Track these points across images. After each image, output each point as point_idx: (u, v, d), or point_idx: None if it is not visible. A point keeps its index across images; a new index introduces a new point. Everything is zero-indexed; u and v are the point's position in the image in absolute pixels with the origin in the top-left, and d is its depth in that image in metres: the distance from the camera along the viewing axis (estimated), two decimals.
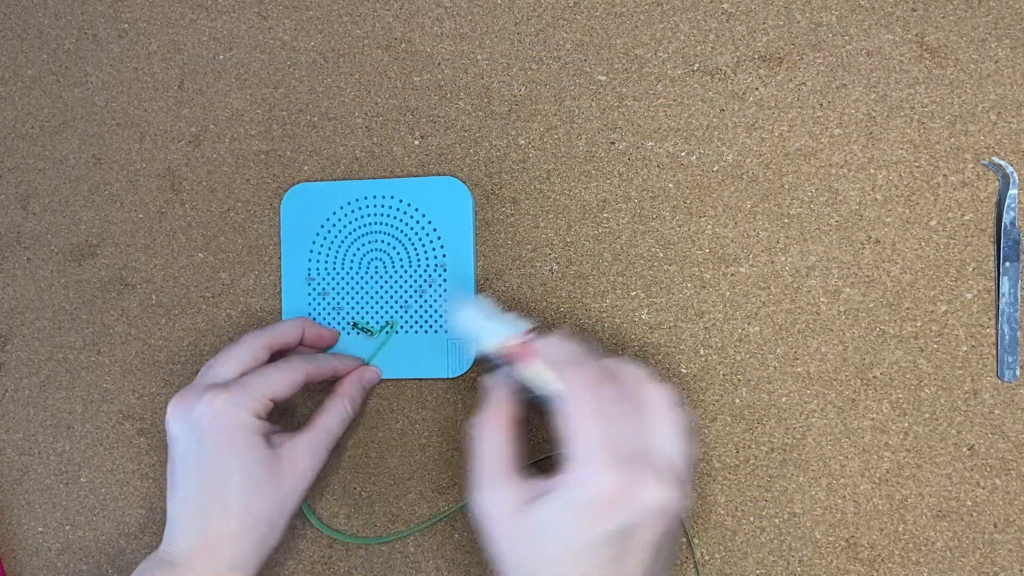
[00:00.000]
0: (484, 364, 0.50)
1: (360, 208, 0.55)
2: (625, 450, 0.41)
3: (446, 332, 0.54)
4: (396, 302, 0.55)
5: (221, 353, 0.50)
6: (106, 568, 0.58)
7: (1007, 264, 0.50)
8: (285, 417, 0.56)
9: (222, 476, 0.47)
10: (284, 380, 0.49)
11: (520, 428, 0.46)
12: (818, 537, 0.51)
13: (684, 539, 0.52)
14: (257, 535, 0.47)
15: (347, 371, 0.53)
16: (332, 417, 0.51)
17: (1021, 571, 0.50)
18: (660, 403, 0.43)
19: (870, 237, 0.52)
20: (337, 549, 0.55)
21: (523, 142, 0.55)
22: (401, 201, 0.55)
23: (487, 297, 0.51)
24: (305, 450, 0.49)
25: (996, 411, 0.50)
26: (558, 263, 0.54)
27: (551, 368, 0.44)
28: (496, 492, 0.43)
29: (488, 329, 0.47)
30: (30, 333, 0.59)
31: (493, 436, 0.45)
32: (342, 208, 0.56)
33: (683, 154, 0.54)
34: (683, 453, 0.43)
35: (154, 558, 0.47)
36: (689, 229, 0.53)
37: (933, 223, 0.51)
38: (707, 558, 0.52)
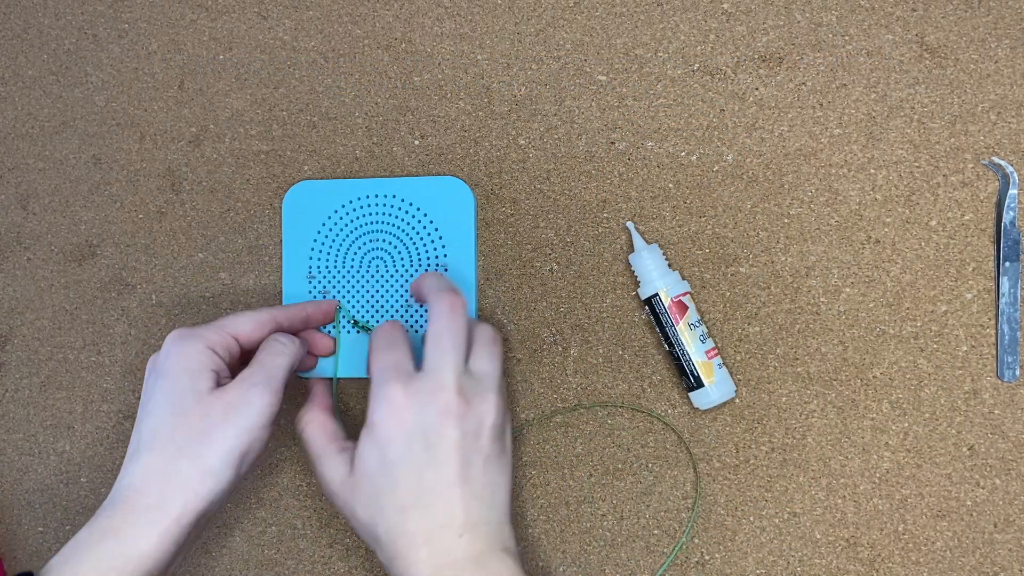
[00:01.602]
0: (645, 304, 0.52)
1: (362, 207, 0.55)
2: (428, 368, 0.45)
3: None
4: (396, 301, 0.55)
5: None
6: None
7: (1007, 264, 0.50)
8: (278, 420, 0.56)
9: (153, 405, 0.45)
10: (246, 318, 0.48)
11: (330, 413, 0.50)
12: (818, 537, 0.51)
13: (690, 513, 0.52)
14: (178, 471, 0.43)
15: (319, 318, 0.53)
16: (267, 353, 0.48)
17: (1021, 571, 0.50)
18: (486, 335, 0.48)
19: (870, 237, 0.52)
20: (337, 549, 0.55)
21: (523, 142, 0.55)
22: (403, 200, 0.55)
23: (658, 248, 0.52)
24: (238, 381, 0.46)
25: (996, 411, 0.50)
26: (558, 263, 0.54)
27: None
28: (328, 465, 0.47)
29: (657, 276, 0.51)
30: (30, 333, 0.59)
31: (310, 431, 0.49)
32: (344, 207, 0.56)
33: (683, 154, 0.54)
34: (495, 372, 0.47)
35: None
36: (689, 229, 0.53)
37: (933, 223, 0.51)
38: (707, 558, 0.52)
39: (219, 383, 0.46)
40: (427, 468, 0.44)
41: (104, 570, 0.42)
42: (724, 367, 0.51)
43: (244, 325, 0.48)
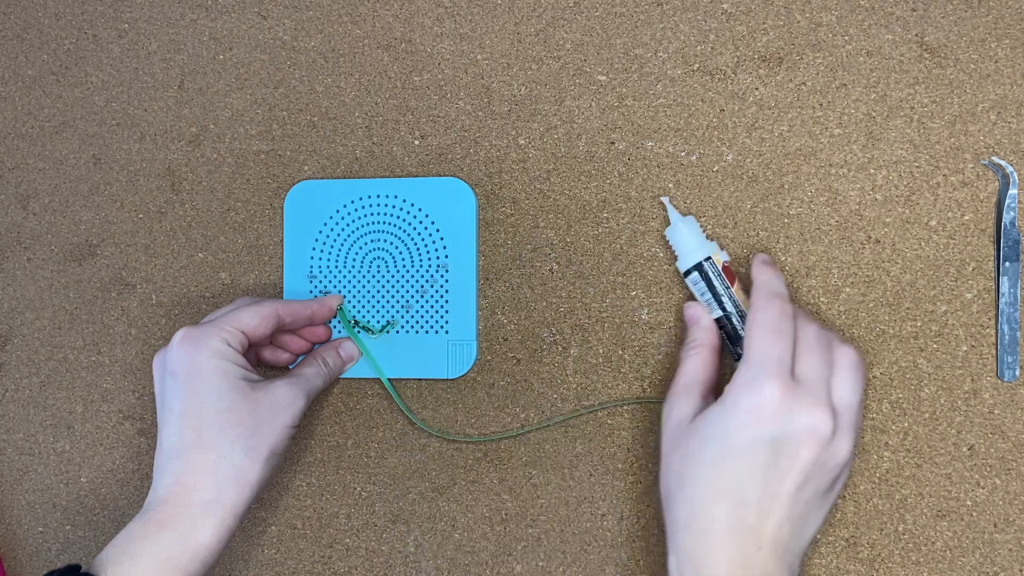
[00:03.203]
0: (685, 276, 0.51)
1: (363, 207, 0.55)
2: (800, 376, 0.44)
3: (447, 332, 0.54)
4: (397, 301, 0.55)
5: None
6: None
7: (1007, 264, 0.50)
8: None
9: (194, 405, 0.46)
10: (251, 312, 0.49)
11: (717, 357, 0.50)
12: (818, 537, 0.51)
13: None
14: (231, 464, 0.45)
15: (323, 315, 0.53)
16: (309, 367, 0.51)
17: (1021, 571, 0.50)
18: (849, 359, 0.45)
19: (870, 237, 0.52)
20: (337, 549, 0.55)
21: (523, 142, 0.55)
22: (405, 200, 0.55)
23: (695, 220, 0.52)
24: (283, 384, 0.48)
25: (996, 411, 0.50)
26: (558, 263, 0.54)
27: (750, 291, 0.48)
28: (680, 402, 0.47)
29: (698, 245, 0.50)
30: (30, 333, 0.59)
31: (695, 359, 0.49)
32: (345, 207, 0.56)
33: (683, 154, 0.54)
34: (858, 405, 0.45)
35: (140, 515, 0.46)
36: None
37: (933, 223, 0.52)
38: None
39: (246, 377, 0.48)
40: (764, 471, 0.43)
41: (165, 560, 0.43)
42: None
43: (250, 321, 0.49)
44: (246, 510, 0.46)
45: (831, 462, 0.43)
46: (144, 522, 0.44)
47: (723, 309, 0.50)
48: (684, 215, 0.52)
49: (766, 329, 0.45)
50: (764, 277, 0.47)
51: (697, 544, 0.43)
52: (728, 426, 0.43)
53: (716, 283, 0.50)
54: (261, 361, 0.54)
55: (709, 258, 0.50)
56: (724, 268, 0.50)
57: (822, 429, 0.43)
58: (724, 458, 0.43)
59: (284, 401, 0.48)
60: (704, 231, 0.52)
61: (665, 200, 0.52)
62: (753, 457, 0.43)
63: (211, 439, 0.45)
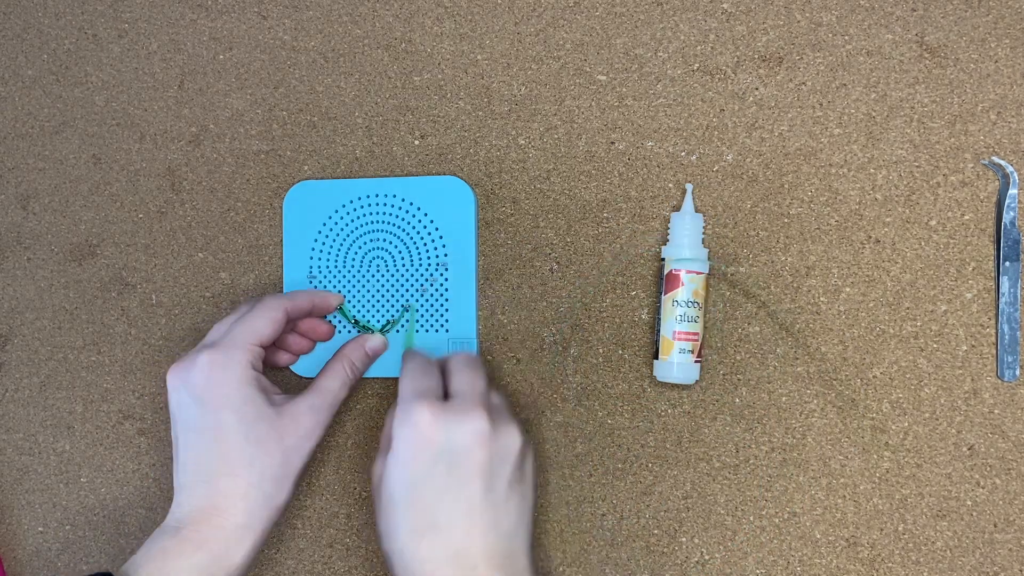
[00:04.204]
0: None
1: (363, 206, 0.55)
2: (452, 393, 0.47)
3: (447, 332, 0.54)
4: (397, 301, 0.55)
5: (229, 316, 0.51)
6: (106, 568, 0.58)
7: (1007, 264, 0.50)
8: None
9: (224, 433, 0.46)
10: (264, 320, 0.49)
11: None
12: (818, 537, 0.51)
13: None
14: (262, 492, 0.47)
15: (324, 305, 0.53)
16: (332, 379, 0.51)
17: (1021, 571, 0.50)
18: (464, 359, 0.49)
19: (870, 237, 0.52)
20: (337, 549, 0.55)
21: (523, 142, 0.55)
22: (404, 200, 0.55)
23: (702, 220, 0.52)
24: (307, 407, 0.49)
25: (996, 411, 0.50)
26: (558, 263, 0.54)
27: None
28: (375, 464, 0.48)
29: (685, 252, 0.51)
30: (30, 333, 0.59)
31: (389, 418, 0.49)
32: (345, 206, 0.56)
33: (683, 154, 0.54)
34: (500, 398, 0.48)
35: (161, 528, 0.47)
36: None
37: (933, 223, 0.52)
38: (707, 558, 0.52)
39: (269, 398, 0.49)
40: (447, 492, 0.44)
41: None
42: (691, 357, 0.50)
43: (265, 330, 0.49)
44: (272, 529, 0.48)
45: (510, 453, 0.45)
46: (178, 540, 0.45)
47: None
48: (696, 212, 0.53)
49: (407, 376, 0.48)
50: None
51: None
52: (400, 466, 0.45)
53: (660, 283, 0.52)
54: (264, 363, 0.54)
55: (664, 258, 0.51)
56: (672, 273, 0.51)
57: (481, 427, 0.44)
58: (410, 498, 0.45)
59: (309, 427, 0.49)
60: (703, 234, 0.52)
61: (688, 188, 0.53)
62: (432, 481, 0.44)
63: (240, 468, 0.46)
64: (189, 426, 0.47)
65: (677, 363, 0.50)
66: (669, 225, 0.52)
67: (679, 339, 0.50)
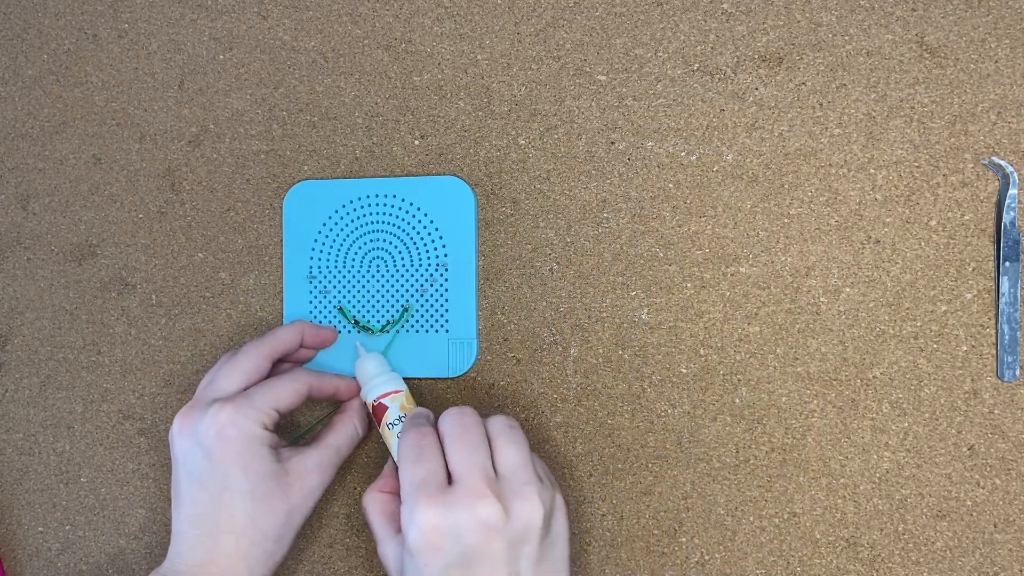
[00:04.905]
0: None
1: (363, 206, 0.55)
2: (455, 475, 0.44)
3: (447, 332, 0.54)
4: (397, 301, 0.55)
5: (222, 365, 0.50)
6: (106, 568, 0.58)
7: (1007, 264, 0.50)
8: (288, 428, 0.56)
9: (230, 490, 0.46)
10: (288, 391, 0.49)
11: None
12: (818, 537, 0.51)
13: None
14: (263, 551, 0.47)
15: (348, 394, 0.53)
16: (341, 436, 0.51)
17: (1021, 571, 0.50)
18: (499, 426, 0.46)
19: (870, 237, 0.52)
20: (337, 549, 0.55)
21: (523, 142, 0.55)
22: (404, 200, 0.55)
23: (382, 356, 0.53)
24: (314, 466, 0.49)
25: (996, 411, 0.50)
26: (558, 263, 0.54)
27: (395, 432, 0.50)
28: (387, 544, 0.47)
29: (373, 383, 0.51)
30: (30, 333, 0.59)
31: (378, 505, 0.48)
32: (344, 207, 0.56)
33: (683, 154, 0.54)
34: (525, 462, 0.45)
35: (158, 573, 0.47)
36: (689, 229, 0.53)
37: (933, 223, 0.52)
38: (707, 558, 0.52)
39: (276, 453, 0.48)
40: None
41: None
42: None
43: (287, 400, 0.49)
44: None
45: (529, 530, 0.43)
46: None
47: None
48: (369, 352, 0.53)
49: (404, 461, 0.45)
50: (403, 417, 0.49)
51: None
52: (416, 571, 0.43)
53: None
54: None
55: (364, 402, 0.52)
56: (375, 406, 0.51)
57: (493, 516, 0.42)
58: None
59: (314, 485, 0.49)
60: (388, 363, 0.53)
61: (358, 344, 0.54)
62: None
63: (244, 526, 0.46)
64: (194, 477, 0.47)
65: None
66: (356, 376, 0.52)
67: None
